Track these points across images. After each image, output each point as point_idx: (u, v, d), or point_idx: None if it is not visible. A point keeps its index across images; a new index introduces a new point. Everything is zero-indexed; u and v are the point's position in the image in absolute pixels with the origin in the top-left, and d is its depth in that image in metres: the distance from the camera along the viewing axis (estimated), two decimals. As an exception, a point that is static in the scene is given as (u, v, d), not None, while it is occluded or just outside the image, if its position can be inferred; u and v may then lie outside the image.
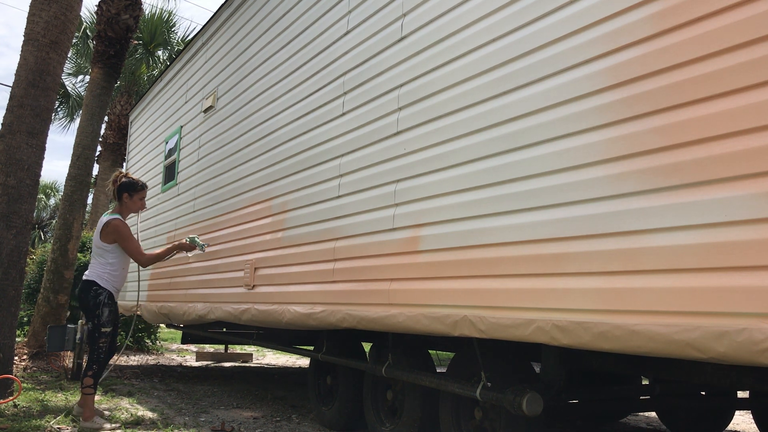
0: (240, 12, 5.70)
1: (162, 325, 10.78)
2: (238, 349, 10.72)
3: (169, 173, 7.23)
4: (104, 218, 4.37)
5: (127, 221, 4.49)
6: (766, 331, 1.78)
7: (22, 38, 5.36)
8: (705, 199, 1.98)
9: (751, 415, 5.45)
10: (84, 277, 4.34)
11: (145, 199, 4.62)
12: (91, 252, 9.51)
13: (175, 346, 11.83)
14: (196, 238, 4.80)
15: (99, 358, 4.21)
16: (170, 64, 7.66)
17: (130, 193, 4.48)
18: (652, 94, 2.16)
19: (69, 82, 15.66)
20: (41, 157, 5.22)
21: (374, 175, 3.58)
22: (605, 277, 2.24)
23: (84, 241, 9.57)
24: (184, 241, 4.76)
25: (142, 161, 8.62)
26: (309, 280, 4.06)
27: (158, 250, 4.66)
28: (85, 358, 6.76)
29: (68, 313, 8.12)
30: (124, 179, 4.49)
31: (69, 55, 11.78)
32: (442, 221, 3.03)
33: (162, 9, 17.06)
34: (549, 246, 2.47)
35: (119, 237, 4.32)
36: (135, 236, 4.69)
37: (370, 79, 3.71)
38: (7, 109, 5.19)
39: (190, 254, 4.89)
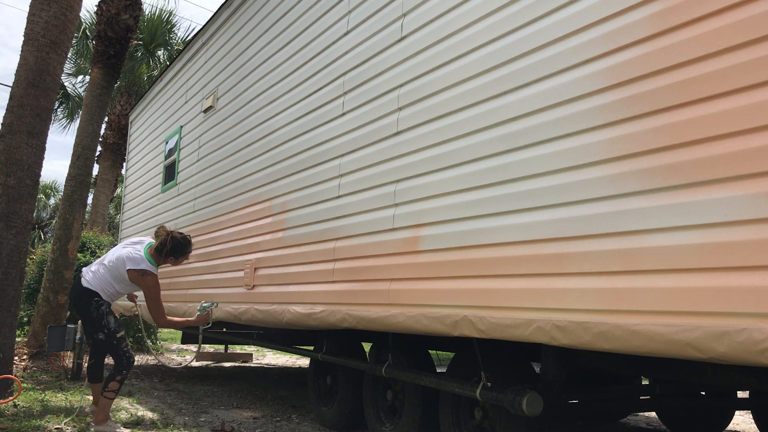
0: (240, 12, 5.70)
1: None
2: (238, 349, 10.71)
3: (169, 173, 7.23)
4: (142, 258, 4.12)
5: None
6: (766, 331, 1.78)
7: (22, 38, 5.36)
8: (705, 199, 1.98)
9: (751, 415, 5.45)
10: (84, 285, 4.09)
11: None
12: (90, 252, 9.53)
13: (175, 346, 11.83)
14: (203, 304, 4.60)
15: (129, 362, 4.06)
16: (170, 64, 7.66)
17: (176, 256, 4.29)
18: (652, 94, 2.16)
19: (69, 82, 15.66)
20: (41, 157, 5.22)
21: (374, 175, 3.58)
22: (605, 277, 2.24)
23: (84, 241, 9.57)
24: (198, 314, 4.54)
25: (142, 161, 8.62)
26: (309, 280, 4.06)
27: (177, 319, 4.47)
28: (86, 358, 6.76)
29: (68, 313, 8.12)
30: (172, 240, 4.22)
31: (69, 55, 11.79)
32: (442, 221, 3.03)
33: (162, 9, 17.06)
34: (549, 246, 2.47)
35: (149, 294, 4.15)
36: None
37: (370, 79, 3.71)
38: (7, 109, 5.19)
39: (208, 324, 4.63)
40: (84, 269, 4.25)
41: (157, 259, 4.22)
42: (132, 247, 4.21)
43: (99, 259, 4.30)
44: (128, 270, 4.09)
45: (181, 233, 4.34)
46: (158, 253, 4.23)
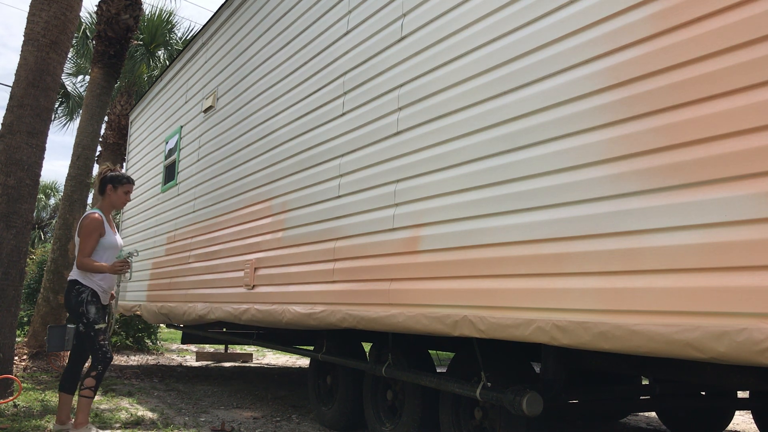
0: (240, 12, 5.70)
1: (162, 325, 10.78)
2: (238, 349, 10.72)
3: (169, 173, 7.23)
4: (85, 214, 4.04)
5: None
6: (766, 331, 1.78)
7: (22, 38, 5.36)
8: (705, 199, 1.98)
9: (751, 415, 5.45)
10: (68, 278, 4.04)
11: (131, 193, 4.24)
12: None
13: (175, 346, 11.83)
14: (123, 250, 4.12)
15: (105, 357, 3.82)
16: (170, 64, 7.66)
17: (114, 185, 4.11)
18: (652, 94, 2.16)
19: (69, 82, 15.63)
20: (41, 157, 5.23)
21: (374, 175, 3.58)
22: (605, 277, 2.24)
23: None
24: (115, 259, 4.07)
25: (142, 161, 8.62)
26: (309, 280, 4.06)
27: (94, 263, 3.95)
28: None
29: (68, 313, 8.12)
30: (108, 173, 4.16)
31: (69, 55, 11.78)
32: (442, 221, 3.03)
33: (162, 9, 17.04)
34: (549, 246, 2.47)
35: (81, 230, 3.92)
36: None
37: (370, 79, 3.71)
38: (7, 109, 5.19)
39: (127, 274, 4.17)
40: None
41: (100, 205, 4.11)
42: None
43: None
44: (78, 231, 3.95)
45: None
46: (100, 192, 4.14)
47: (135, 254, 4.15)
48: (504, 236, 2.67)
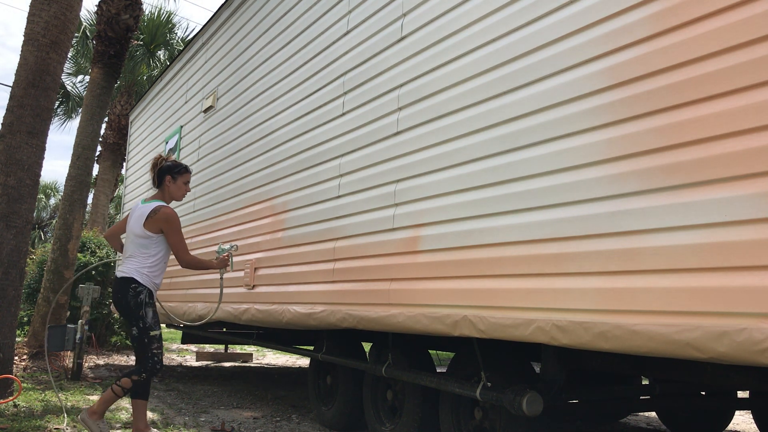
0: (240, 12, 5.70)
1: (162, 325, 10.77)
2: (238, 349, 10.71)
3: (169, 173, 7.22)
4: (148, 205, 3.75)
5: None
6: (766, 331, 1.78)
7: (22, 38, 5.36)
8: (705, 199, 1.98)
9: (751, 415, 5.45)
10: (119, 274, 3.70)
11: (189, 183, 4.01)
12: (90, 252, 9.52)
13: (175, 346, 11.83)
14: (221, 246, 4.25)
15: (154, 368, 3.59)
16: (170, 64, 7.66)
17: (173, 175, 3.85)
18: (652, 94, 2.16)
19: (69, 82, 15.66)
20: (41, 157, 5.22)
21: (374, 175, 3.58)
22: (605, 277, 2.24)
23: (84, 241, 9.57)
24: (215, 256, 4.19)
25: (142, 161, 8.62)
26: (309, 280, 4.06)
27: (201, 258, 3.98)
28: (86, 358, 6.76)
29: (68, 313, 8.12)
30: (164, 162, 3.90)
31: (69, 55, 11.79)
32: (442, 221, 3.03)
33: (162, 9, 17.06)
34: (549, 246, 2.47)
35: (170, 228, 3.69)
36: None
37: (370, 79, 3.71)
38: (7, 109, 5.19)
39: (229, 269, 4.27)
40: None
41: (161, 197, 3.87)
42: (136, 215, 3.79)
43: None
44: (145, 223, 3.68)
45: None
46: (158, 184, 3.89)
47: (235, 248, 4.25)
48: (504, 236, 2.67)
